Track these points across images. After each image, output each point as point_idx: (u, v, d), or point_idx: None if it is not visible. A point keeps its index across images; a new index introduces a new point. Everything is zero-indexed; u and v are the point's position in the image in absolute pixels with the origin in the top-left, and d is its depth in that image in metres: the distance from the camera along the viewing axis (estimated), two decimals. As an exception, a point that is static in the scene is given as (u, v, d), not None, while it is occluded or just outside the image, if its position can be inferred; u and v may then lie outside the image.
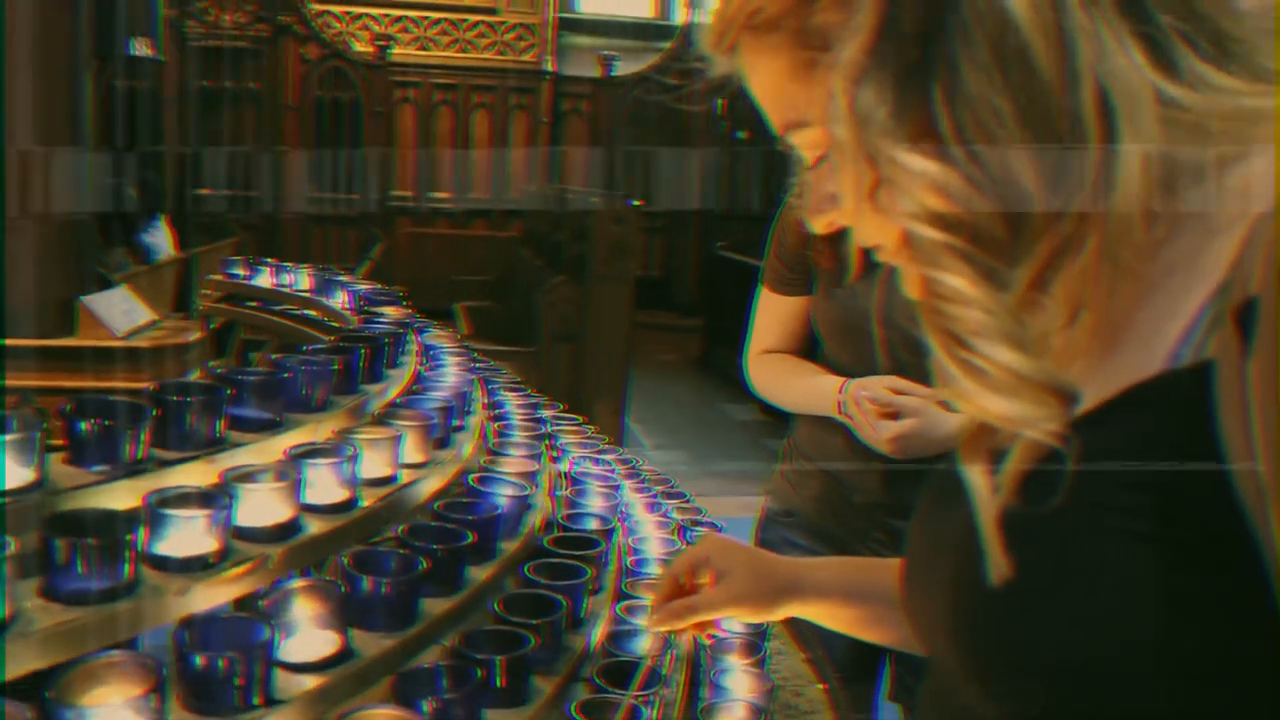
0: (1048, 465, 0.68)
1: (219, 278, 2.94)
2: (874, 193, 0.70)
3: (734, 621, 1.62)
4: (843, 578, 1.20)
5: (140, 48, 3.18)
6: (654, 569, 1.86)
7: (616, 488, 2.04)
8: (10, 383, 3.07)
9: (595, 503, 1.93)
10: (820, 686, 1.86)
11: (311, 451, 1.39)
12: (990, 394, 0.67)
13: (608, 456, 2.29)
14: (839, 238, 2.09)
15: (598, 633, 1.57)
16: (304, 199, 8.57)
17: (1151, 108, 0.64)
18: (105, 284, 3.67)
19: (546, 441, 2.25)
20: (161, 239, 6.55)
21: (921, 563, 0.87)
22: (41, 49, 2.99)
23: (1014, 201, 0.65)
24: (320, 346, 1.72)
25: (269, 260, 2.89)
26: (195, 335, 3.25)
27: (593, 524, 1.83)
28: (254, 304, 2.96)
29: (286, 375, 1.48)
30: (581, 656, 1.49)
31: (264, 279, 2.87)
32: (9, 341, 3.02)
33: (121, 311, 3.21)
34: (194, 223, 7.78)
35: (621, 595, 1.74)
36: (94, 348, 3.08)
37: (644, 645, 1.48)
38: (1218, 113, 0.65)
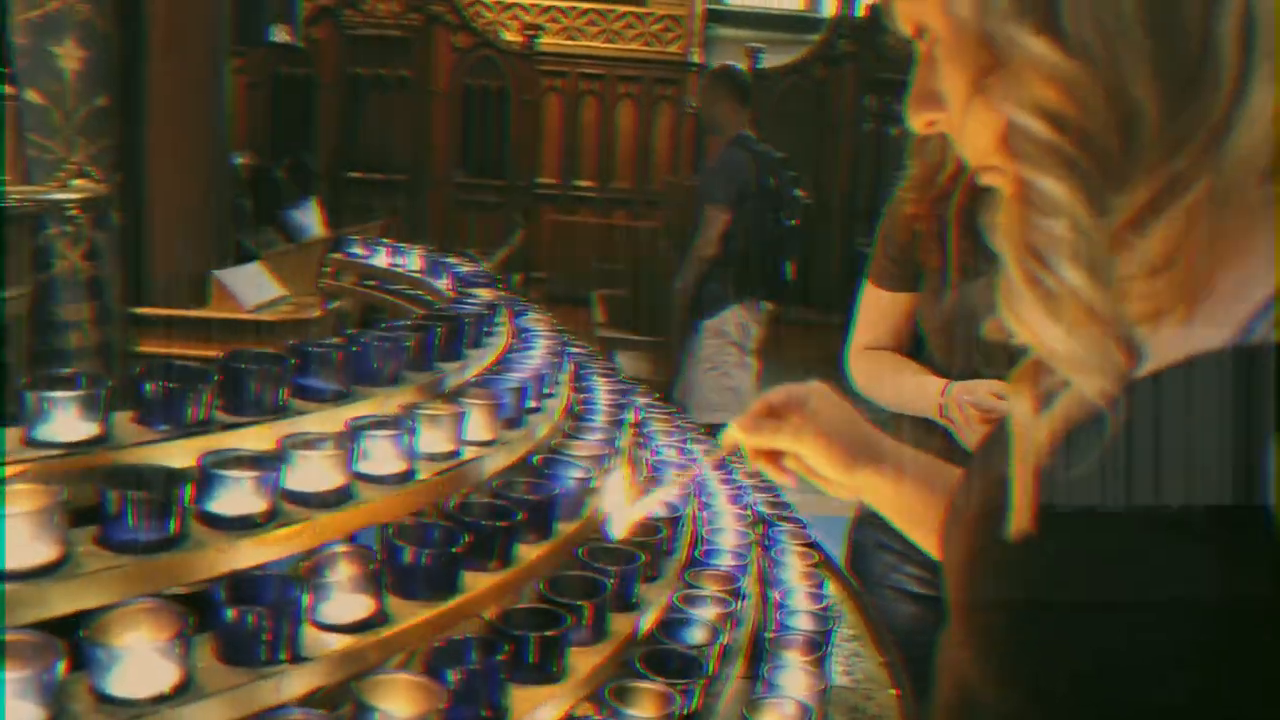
0: (1092, 425, 0.64)
1: (339, 256, 3.06)
2: (984, 79, 0.67)
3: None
4: (928, 466, 1.13)
5: (280, 34, 3.33)
6: (724, 560, 1.86)
7: (695, 478, 2.05)
8: (147, 349, 3.25)
9: (668, 491, 1.93)
10: (893, 692, 1.83)
11: (371, 423, 1.43)
12: (1052, 322, 0.64)
13: (695, 447, 2.29)
14: (946, 235, 2.05)
15: (649, 619, 1.58)
16: (450, 184, 8.79)
17: None
18: (246, 259, 3.85)
19: (633, 429, 2.27)
20: (311, 219, 6.81)
21: (956, 508, 0.84)
22: (182, 36, 3.15)
23: (1129, 117, 0.62)
24: (402, 323, 1.77)
25: (384, 241, 2.98)
26: (318, 311, 3.38)
27: (661, 510, 1.83)
28: (372, 283, 3.07)
29: (356, 349, 1.53)
30: (628, 641, 1.50)
31: (380, 259, 2.97)
32: (146, 310, 3.20)
33: (253, 286, 3.36)
34: (344, 204, 8.07)
35: (683, 584, 1.74)
36: (223, 319, 3.23)
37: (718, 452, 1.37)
38: None
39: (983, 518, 0.73)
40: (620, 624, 1.51)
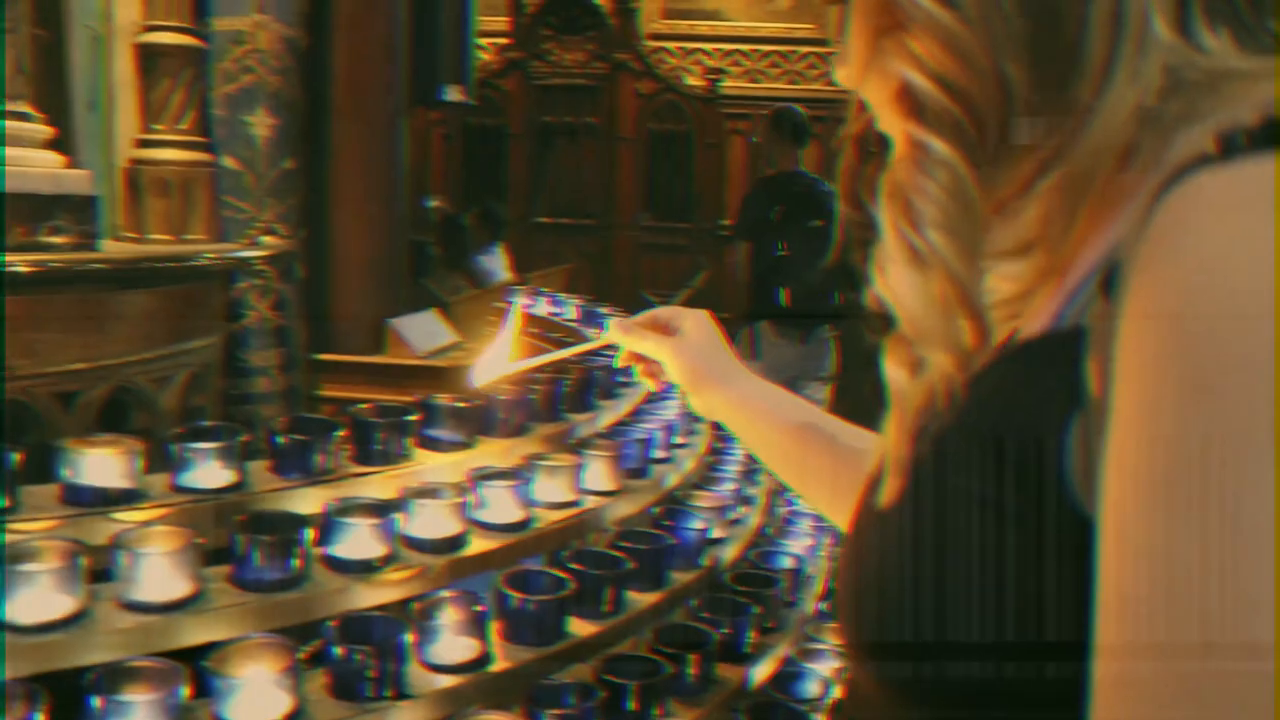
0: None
1: (503, 305, 3.18)
2: (883, 38, 0.70)
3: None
4: (770, 398, 1.18)
5: (453, 94, 3.53)
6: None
7: (828, 530, 2.05)
8: (329, 393, 3.47)
9: (798, 544, 1.95)
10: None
11: (489, 474, 1.51)
12: (913, 288, 0.66)
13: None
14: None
15: (761, 671, 1.60)
16: (636, 227, 8.97)
17: (1160, 52, 0.63)
18: (432, 304, 4.04)
19: (771, 479, 2.28)
20: (498, 264, 7.06)
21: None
22: (362, 100, 3.37)
23: (1004, 92, 0.64)
24: (534, 375, 1.85)
25: (545, 291, 3.10)
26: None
27: (787, 562, 1.85)
28: (535, 331, 3.19)
29: (480, 402, 1.61)
30: (736, 692, 1.53)
31: (540, 308, 3.09)
32: (327, 356, 3.41)
33: (426, 333, 3.54)
34: (533, 249, 8.34)
35: (803, 638, 1.75)
36: (398, 365, 3.42)
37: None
38: (1201, 70, 0.63)
39: (869, 484, 0.75)
40: (729, 674, 1.53)
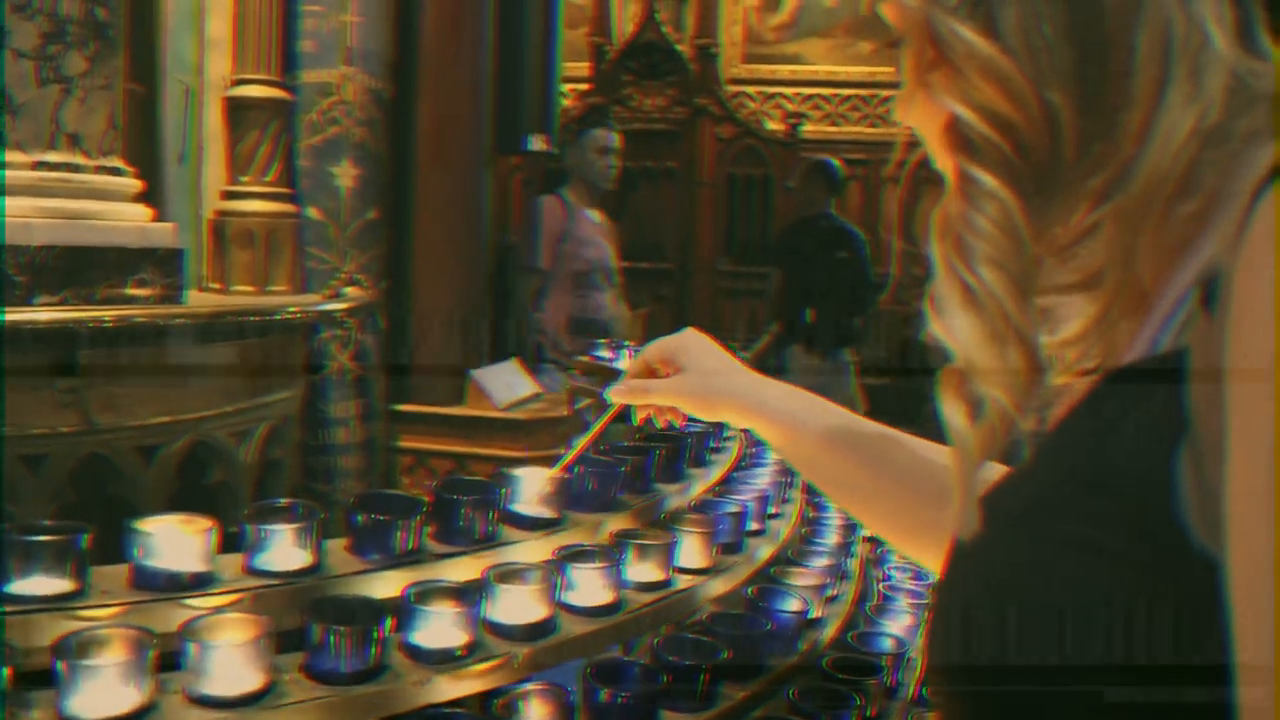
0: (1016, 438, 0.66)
1: (585, 359, 3.12)
2: (930, 72, 0.69)
3: None
4: (795, 408, 1.16)
5: (536, 144, 3.51)
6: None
7: (927, 607, 1.93)
8: (408, 444, 3.43)
9: (897, 622, 1.84)
10: None
11: (578, 554, 1.43)
12: (967, 325, 0.65)
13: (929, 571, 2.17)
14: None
15: (864, 768, 1.49)
16: (715, 271, 8.90)
17: (1222, 71, 0.61)
18: (508, 354, 4.01)
19: (868, 545, 2.17)
20: (578, 309, 7.04)
21: None
22: (447, 151, 3.34)
23: (1053, 124, 0.63)
24: (624, 445, 1.77)
25: (627, 344, 3.03)
26: (566, 410, 3.46)
27: (887, 644, 1.74)
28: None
29: (568, 475, 1.53)
30: (838, 793, 1.42)
31: (623, 362, 3.00)
32: (406, 407, 3.37)
33: (505, 384, 3.48)
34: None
35: (907, 727, 1.64)
36: (478, 417, 3.37)
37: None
38: (1270, 80, 0.62)
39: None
40: (830, 774, 1.43)
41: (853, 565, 1.99)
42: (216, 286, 2.93)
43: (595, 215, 4.90)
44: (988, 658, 0.62)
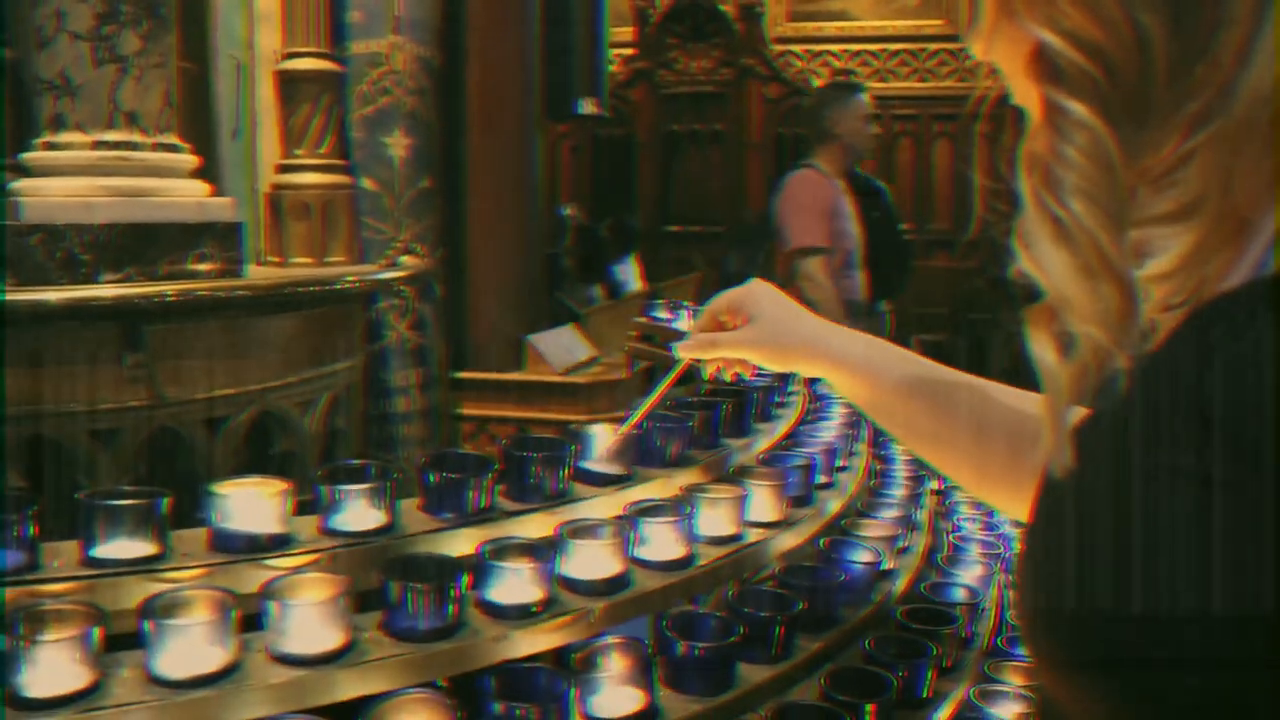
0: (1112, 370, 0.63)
1: (643, 320, 3.11)
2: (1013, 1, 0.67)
3: None
4: (871, 355, 1.16)
5: (588, 106, 3.48)
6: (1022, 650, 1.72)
7: (999, 557, 1.91)
8: (469, 411, 3.44)
9: (969, 572, 1.81)
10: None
11: (649, 509, 1.43)
12: (1059, 259, 0.63)
13: (1001, 519, 2.14)
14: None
15: (940, 716, 1.48)
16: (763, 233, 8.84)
17: None
18: (567, 316, 4.01)
19: (936, 498, 2.15)
20: (630, 274, 7.04)
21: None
22: (497, 116, 3.34)
23: (1144, 49, 0.61)
24: (689, 400, 1.76)
25: (686, 303, 3.00)
26: (625, 373, 3.46)
27: (960, 594, 1.72)
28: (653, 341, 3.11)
29: (638, 431, 1.53)
30: (918, 741, 1.41)
31: (683, 322, 2.99)
32: (466, 374, 3.38)
33: (564, 349, 3.49)
34: (663, 258, 8.30)
35: (982, 677, 1.62)
36: (537, 382, 3.37)
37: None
38: None
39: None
40: (910, 721, 1.42)
41: (922, 516, 1.97)
42: (275, 259, 2.95)
43: (842, 186, 4.45)
44: (1085, 600, 0.61)
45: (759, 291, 1.25)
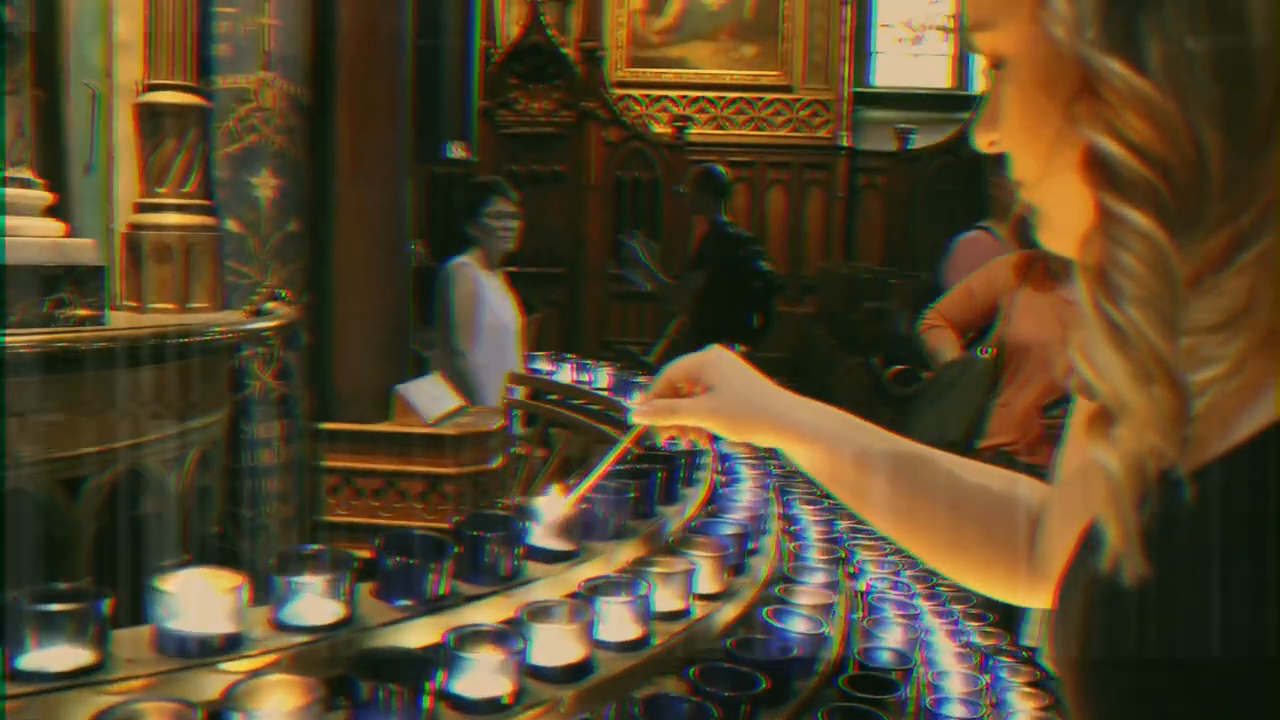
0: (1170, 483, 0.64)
1: (524, 371, 3.05)
2: (1071, 105, 0.67)
3: None
4: (828, 425, 1.14)
5: (456, 150, 3.40)
6: (954, 709, 1.73)
7: (916, 616, 1.92)
8: (333, 463, 3.29)
9: (894, 635, 1.81)
10: None
11: (606, 586, 1.37)
12: (1116, 364, 0.64)
13: (905, 575, 2.16)
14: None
15: (894, 790, 1.46)
16: (605, 275, 8.85)
17: None
18: (421, 369, 3.89)
19: (843, 556, 2.16)
20: (472, 315, 6.89)
21: (1075, 558, 0.79)
22: (367, 159, 3.22)
23: (1201, 161, 0.62)
24: (620, 469, 1.71)
25: (570, 356, 2.96)
26: (497, 424, 3.37)
27: (888, 658, 1.72)
28: (554, 398, 3.05)
29: (585, 505, 1.47)
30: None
31: (564, 375, 2.94)
32: (332, 425, 3.23)
33: (431, 398, 3.38)
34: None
35: (922, 744, 1.62)
36: (405, 433, 3.25)
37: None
38: None
39: (1078, 553, 0.73)
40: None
41: (839, 576, 1.96)
42: (132, 304, 2.75)
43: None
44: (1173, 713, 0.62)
45: (718, 359, 1.22)
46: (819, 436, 1.14)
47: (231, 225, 2.91)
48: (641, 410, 1.25)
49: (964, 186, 8.89)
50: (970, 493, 1.08)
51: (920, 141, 9.11)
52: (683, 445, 1.26)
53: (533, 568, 1.37)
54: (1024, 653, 2.16)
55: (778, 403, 1.18)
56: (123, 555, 2.49)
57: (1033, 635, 2.92)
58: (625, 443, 1.34)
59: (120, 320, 2.55)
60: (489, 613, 1.27)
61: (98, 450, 2.26)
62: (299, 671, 1.07)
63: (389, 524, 3.25)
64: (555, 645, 1.24)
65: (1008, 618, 2.64)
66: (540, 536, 1.41)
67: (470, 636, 1.19)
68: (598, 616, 1.32)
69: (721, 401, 1.18)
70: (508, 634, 1.20)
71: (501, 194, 4.66)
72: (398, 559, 1.22)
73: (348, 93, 3.17)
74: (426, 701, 1.09)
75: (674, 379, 1.24)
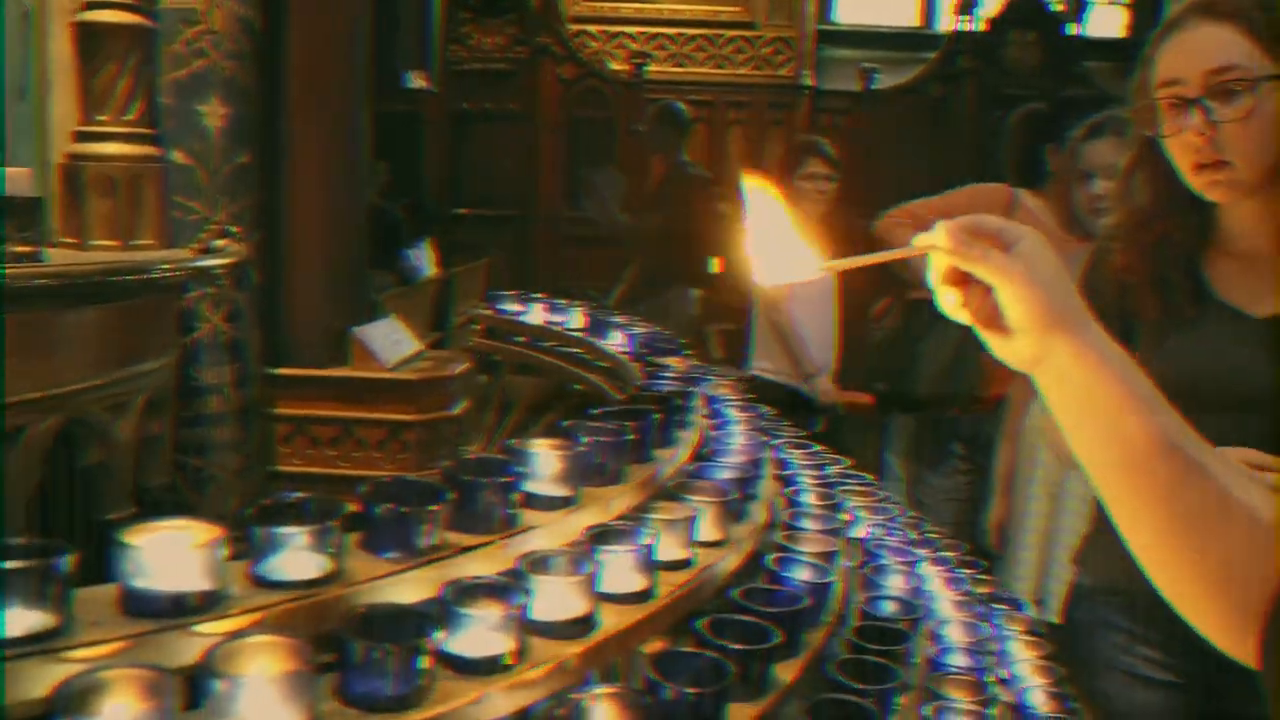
0: None
1: (488, 312, 2.92)
2: None
3: None
4: (1125, 360, 0.92)
5: (416, 80, 3.23)
6: (959, 657, 1.66)
7: (915, 562, 1.85)
8: (286, 410, 3.15)
9: (895, 582, 1.74)
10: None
11: (608, 534, 1.27)
12: None
13: (900, 522, 2.09)
14: (1164, 285, 1.85)
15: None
16: (559, 218, 8.67)
17: None
18: (376, 312, 3.74)
19: (837, 502, 2.08)
20: (424, 259, 6.73)
21: None
22: (322, 88, 3.06)
23: None
24: (612, 410, 1.60)
25: (538, 295, 2.84)
26: (461, 368, 3.25)
27: (891, 608, 1.64)
28: (522, 339, 2.93)
29: (581, 448, 1.36)
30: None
31: (535, 316, 2.82)
32: (285, 371, 3.09)
33: (391, 342, 3.24)
34: (454, 242, 7.99)
35: (929, 694, 1.55)
36: (363, 379, 3.12)
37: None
38: None
39: None
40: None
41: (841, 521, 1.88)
42: (71, 240, 2.57)
43: None
44: None
45: (1037, 237, 0.94)
46: (1113, 369, 0.91)
47: (178, 156, 2.73)
48: (954, 232, 0.93)
49: (929, 125, 8.80)
50: (1233, 508, 0.90)
51: (885, 81, 8.97)
52: (951, 311, 0.95)
53: (529, 515, 1.26)
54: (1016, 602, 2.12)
55: (1085, 313, 0.94)
56: (65, 509, 2.35)
57: (1014, 586, 2.88)
58: (899, 254, 1.01)
59: (59, 257, 2.38)
60: (485, 564, 1.17)
61: (37, 397, 2.11)
62: (284, 632, 0.96)
63: (346, 474, 3.13)
64: (558, 598, 1.15)
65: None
66: (535, 483, 1.30)
67: (468, 590, 1.09)
68: (600, 566, 1.22)
69: (1040, 276, 0.91)
70: (509, 587, 1.10)
71: None
72: (387, 507, 1.11)
73: (302, 16, 2.99)
74: (424, 662, 0.99)
75: (986, 227, 0.94)
